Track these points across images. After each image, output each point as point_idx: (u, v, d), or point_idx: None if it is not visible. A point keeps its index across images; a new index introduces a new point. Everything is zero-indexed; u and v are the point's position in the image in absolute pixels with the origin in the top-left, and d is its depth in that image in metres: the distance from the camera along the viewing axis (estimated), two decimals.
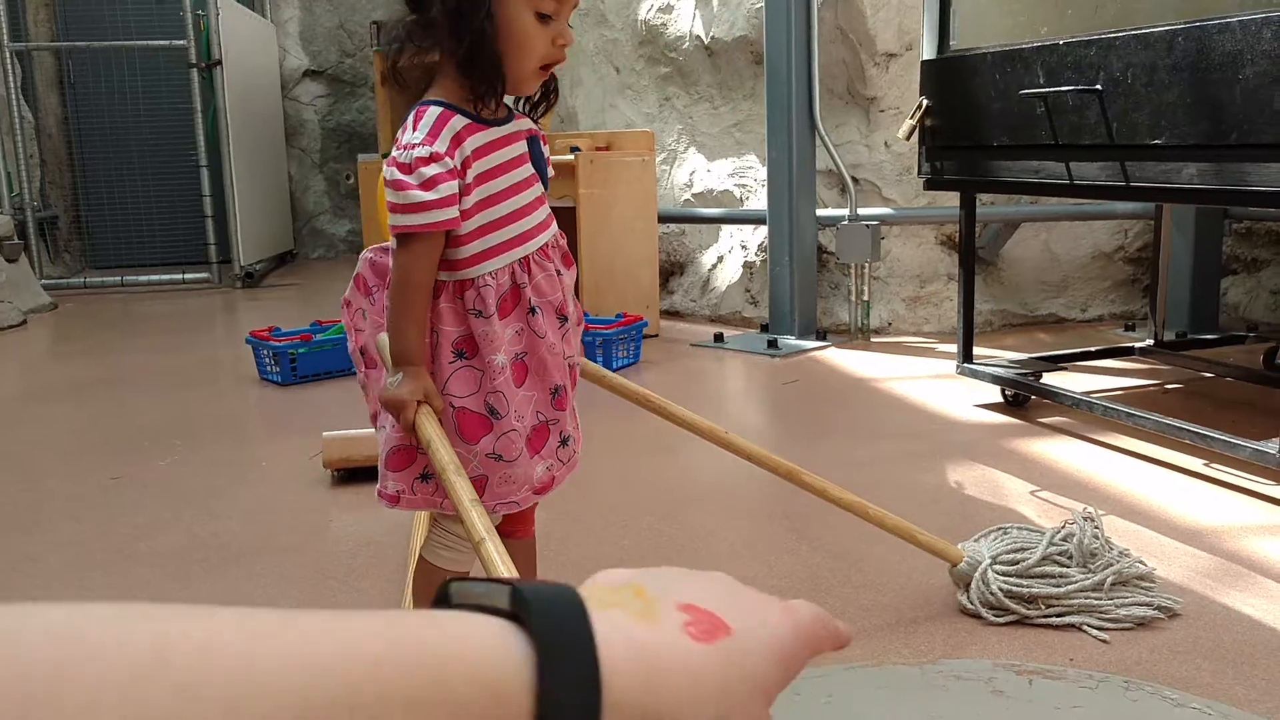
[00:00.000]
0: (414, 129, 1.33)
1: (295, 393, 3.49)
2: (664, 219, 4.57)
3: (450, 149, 1.32)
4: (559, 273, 1.46)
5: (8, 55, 6.27)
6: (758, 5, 4.31)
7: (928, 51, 3.02)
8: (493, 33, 1.31)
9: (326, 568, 2.03)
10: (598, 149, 4.18)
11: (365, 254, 1.49)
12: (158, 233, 7.70)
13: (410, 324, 1.36)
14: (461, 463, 1.30)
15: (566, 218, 3.94)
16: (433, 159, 1.30)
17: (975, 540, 1.82)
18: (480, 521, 1.17)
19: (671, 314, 4.64)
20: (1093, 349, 3.40)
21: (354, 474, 2.52)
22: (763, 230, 4.37)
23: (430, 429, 1.35)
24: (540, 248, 1.45)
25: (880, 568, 1.92)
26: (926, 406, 3.05)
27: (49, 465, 2.80)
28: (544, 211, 1.47)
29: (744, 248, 4.49)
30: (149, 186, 7.65)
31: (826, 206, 4.15)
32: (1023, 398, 3.01)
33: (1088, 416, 2.81)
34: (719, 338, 3.96)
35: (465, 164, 1.34)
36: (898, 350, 3.85)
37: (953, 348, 3.80)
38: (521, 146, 1.44)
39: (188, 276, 6.55)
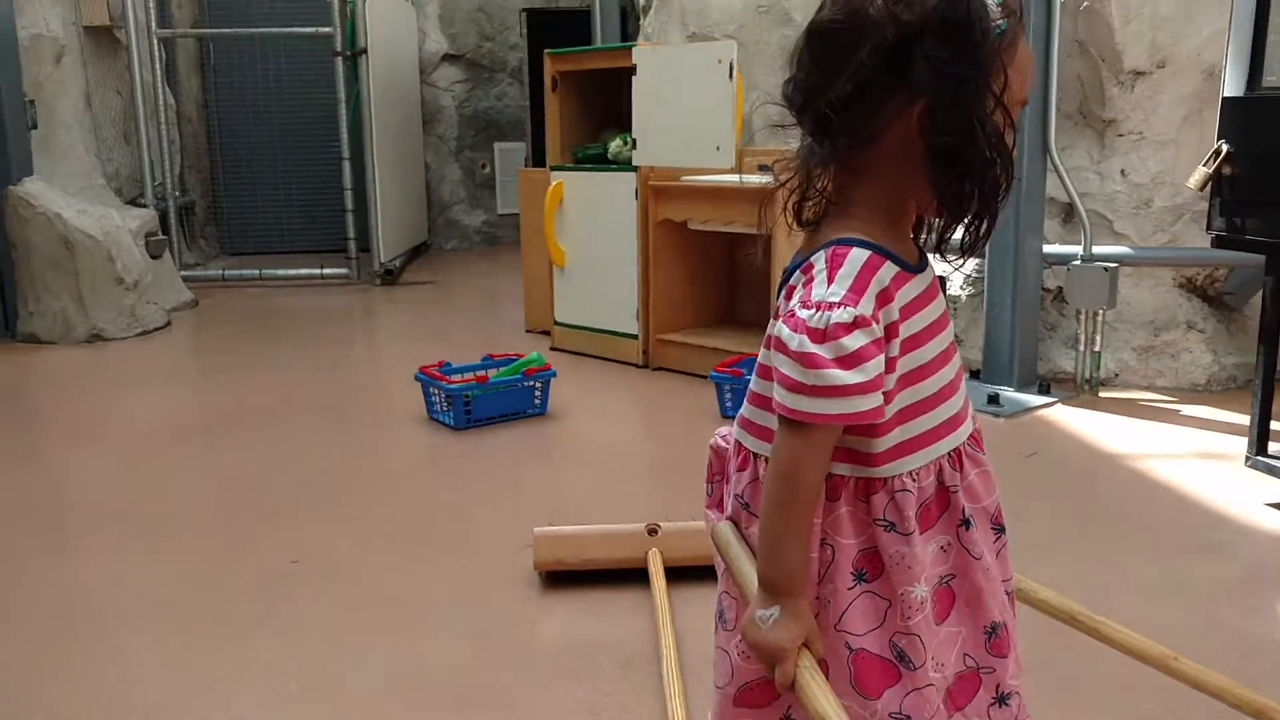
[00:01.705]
0: (830, 280, 0.97)
1: (471, 441, 3.19)
2: None
3: (877, 309, 0.97)
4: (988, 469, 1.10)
5: (155, 43, 6.10)
6: None
7: (1232, 87, 2.56)
8: (1004, 122, 0.96)
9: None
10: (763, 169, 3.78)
11: (716, 438, 1.15)
12: (295, 220, 7.54)
13: (794, 538, 1.00)
14: None
15: (742, 246, 3.57)
16: (857, 325, 0.94)
17: None
18: None
19: None
20: None
21: (566, 577, 2.20)
22: (968, 262, 3.94)
23: (815, 685, 1.00)
24: (970, 435, 1.09)
25: None
26: (1207, 503, 2.61)
27: (218, 529, 2.54)
28: (964, 387, 1.11)
29: (946, 280, 4.05)
30: (288, 174, 7.49)
31: (1048, 240, 3.69)
32: None
33: None
34: None
35: (892, 329, 0.98)
36: (1135, 411, 3.39)
37: (1199, 410, 3.35)
38: (942, 299, 1.08)
39: (326, 271, 6.35)
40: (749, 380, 1.12)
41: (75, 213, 4.82)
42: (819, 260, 0.99)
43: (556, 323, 4.40)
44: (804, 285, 0.99)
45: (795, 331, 0.96)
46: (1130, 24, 3.51)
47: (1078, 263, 3.50)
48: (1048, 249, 3.61)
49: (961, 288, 3.98)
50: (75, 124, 5.59)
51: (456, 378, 3.40)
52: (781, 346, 0.97)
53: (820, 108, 0.97)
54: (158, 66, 6.18)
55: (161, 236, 5.47)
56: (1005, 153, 0.95)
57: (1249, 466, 2.65)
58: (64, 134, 5.50)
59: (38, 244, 4.72)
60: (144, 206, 5.91)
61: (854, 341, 0.94)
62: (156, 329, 4.98)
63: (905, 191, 0.99)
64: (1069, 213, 3.75)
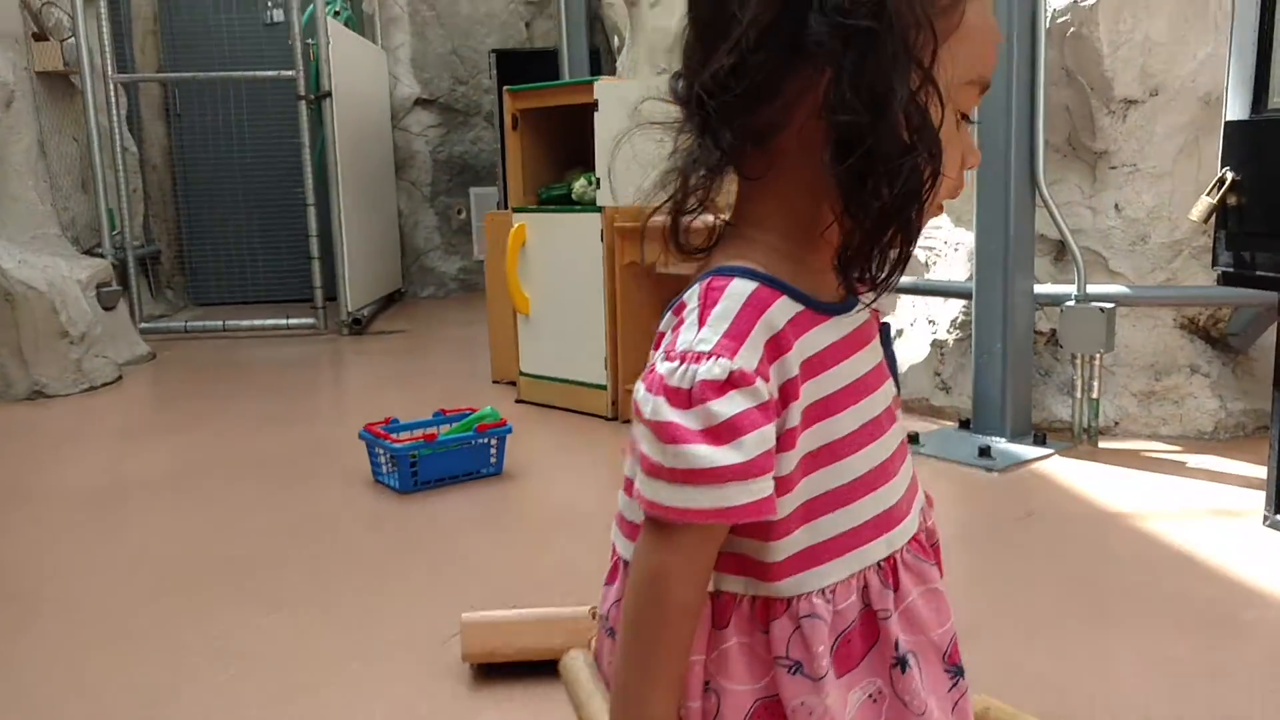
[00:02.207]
0: (701, 322, 0.72)
1: (417, 506, 2.93)
2: None
3: (765, 362, 0.71)
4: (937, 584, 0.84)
5: (111, 88, 5.89)
6: None
7: (1235, 110, 2.34)
8: (931, 99, 0.71)
9: None
10: None
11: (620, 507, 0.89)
12: (262, 269, 7.31)
13: (657, 680, 0.73)
14: None
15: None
16: (733, 383, 0.69)
17: None
18: None
19: None
20: None
21: (501, 669, 1.93)
22: (954, 304, 3.70)
23: None
24: (911, 538, 0.83)
25: None
26: (1225, 571, 2.35)
27: (111, 609, 2.26)
28: (908, 466, 0.85)
29: (931, 323, 3.82)
30: (256, 222, 7.27)
31: (1037, 280, 3.46)
32: None
33: None
34: (914, 438, 3.30)
35: (789, 389, 0.72)
36: (1138, 463, 3.14)
37: (1207, 460, 3.10)
38: (876, 349, 0.83)
39: (292, 321, 6.10)
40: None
41: (16, 263, 4.59)
42: (691, 297, 0.74)
43: (522, 373, 4.15)
44: (672, 330, 0.74)
45: (651, 392, 0.71)
46: (1119, 50, 3.30)
47: (1071, 303, 3.26)
48: (1039, 289, 3.38)
49: (949, 331, 3.74)
50: (28, 172, 5.37)
51: (404, 435, 3.14)
52: (638, 413, 0.72)
53: (698, 94, 0.73)
54: (114, 112, 5.97)
55: (115, 287, 5.23)
56: (930, 138, 0.70)
57: (1268, 526, 2.40)
58: (15, 182, 5.28)
59: None
60: (101, 256, 5.68)
61: (728, 406, 0.68)
62: (105, 384, 4.72)
63: (819, 203, 0.74)
64: (1060, 250, 3.53)
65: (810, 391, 0.74)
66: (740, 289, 0.72)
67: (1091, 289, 3.28)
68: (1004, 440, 3.29)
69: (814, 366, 0.74)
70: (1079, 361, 3.28)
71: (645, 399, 0.71)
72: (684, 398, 0.69)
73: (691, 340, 0.71)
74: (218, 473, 3.32)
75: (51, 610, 2.30)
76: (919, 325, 3.88)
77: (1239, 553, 2.42)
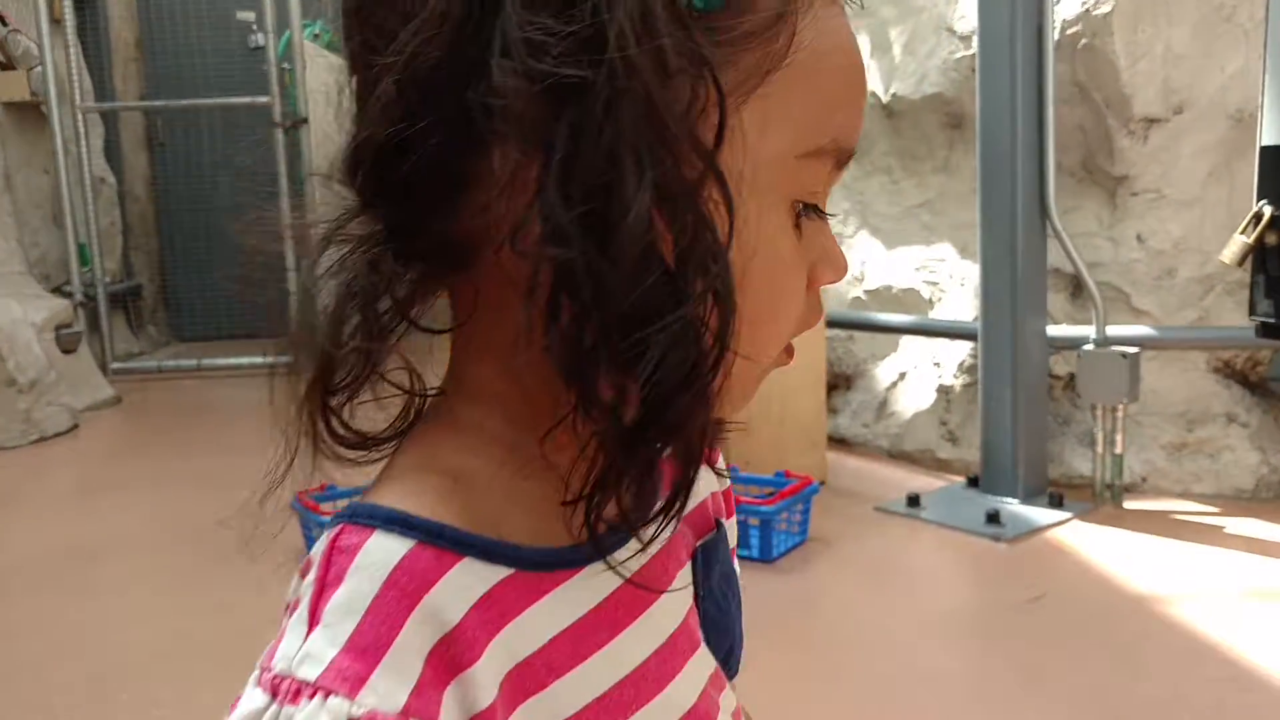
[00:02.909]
0: (311, 617, 0.39)
1: None
2: (832, 324, 3.59)
3: (426, 693, 0.38)
4: None
5: (80, 118, 5.64)
6: (957, 55, 3.31)
7: (1272, 134, 2.00)
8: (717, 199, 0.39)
9: None
10: None
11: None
12: (247, 303, 7.03)
13: None
14: None
15: None
16: None
17: None
18: None
19: (839, 442, 3.63)
20: None
21: None
22: (963, 345, 3.35)
23: None
24: None
25: None
26: (1271, 681, 1.98)
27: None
28: None
29: (937, 365, 3.47)
30: (233, 255, 7.00)
31: (1052, 320, 3.11)
32: None
33: None
34: (914, 501, 2.95)
35: None
36: (1168, 529, 2.77)
37: (1247, 525, 2.74)
38: (678, 603, 0.49)
39: (272, 359, 5.80)
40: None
41: None
42: (315, 562, 0.42)
43: None
44: (287, 614, 0.42)
45: None
46: (1139, 63, 2.95)
47: (1090, 347, 2.90)
48: (1053, 331, 3.03)
49: (955, 375, 3.39)
50: None
51: (344, 503, 2.81)
52: None
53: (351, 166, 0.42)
54: (85, 143, 5.72)
55: (75, 329, 4.97)
56: (714, 271, 0.39)
57: None
58: None
59: None
60: (68, 295, 5.43)
61: None
62: (58, 434, 4.44)
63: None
64: (1078, 286, 3.17)
65: (537, 713, 0.41)
66: (378, 557, 0.40)
67: (1112, 330, 2.92)
68: (1016, 502, 2.93)
69: (534, 674, 0.41)
70: (1100, 413, 2.92)
71: None
72: None
73: (293, 655, 0.38)
74: (137, 549, 3.01)
75: None
76: (922, 368, 3.53)
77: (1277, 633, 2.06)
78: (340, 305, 0.44)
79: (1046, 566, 2.56)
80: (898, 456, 3.50)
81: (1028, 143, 2.89)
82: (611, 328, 0.37)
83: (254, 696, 0.39)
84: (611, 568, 0.43)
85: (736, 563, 0.63)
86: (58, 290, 5.51)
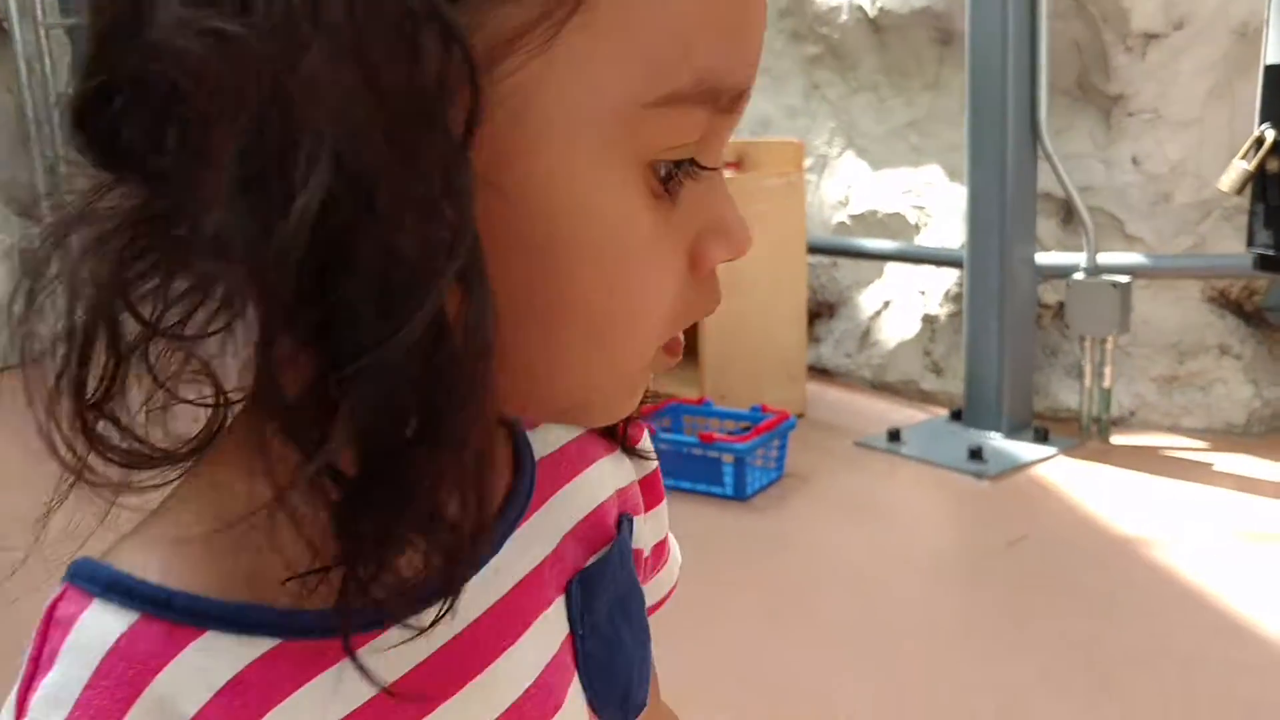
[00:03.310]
0: (20, 700, 0.29)
1: None
2: (814, 250, 3.47)
3: None
4: None
5: (44, 34, 5.42)
6: None
7: (1277, 52, 1.85)
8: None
9: None
10: (726, 166, 3.08)
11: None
12: None
13: None
14: None
15: None
16: None
17: None
18: None
19: (820, 373, 3.53)
20: None
21: None
22: (949, 273, 3.23)
23: None
24: None
25: None
26: (1257, 631, 1.90)
27: None
28: None
29: (922, 294, 3.35)
30: None
31: (1042, 246, 2.98)
32: None
33: None
34: (894, 436, 2.85)
35: None
36: (1156, 465, 2.68)
37: (1239, 461, 2.64)
38: (537, 656, 0.39)
39: None
40: None
41: None
42: (33, 635, 0.32)
43: None
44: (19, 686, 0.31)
45: None
46: None
47: (1080, 276, 2.78)
48: (1042, 259, 2.91)
49: (941, 304, 3.27)
50: None
51: None
52: None
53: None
54: (49, 61, 5.52)
55: None
56: (475, 282, 0.29)
57: None
58: None
59: None
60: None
61: None
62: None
63: None
64: (1068, 212, 3.04)
65: None
66: (92, 635, 0.31)
67: (1104, 258, 2.80)
68: (999, 436, 2.84)
69: None
70: (1088, 344, 2.82)
71: None
72: None
73: None
74: None
75: None
76: (907, 295, 3.41)
77: (1276, 597, 1.98)
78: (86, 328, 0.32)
79: (1029, 506, 2.48)
80: (880, 388, 3.41)
81: (1019, 60, 2.73)
82: (325, 365, 0.28)
83: None
84: (366, 674, 0.32)
85: (675, 552, 0.53)
86: (24, 215, 5.36)
